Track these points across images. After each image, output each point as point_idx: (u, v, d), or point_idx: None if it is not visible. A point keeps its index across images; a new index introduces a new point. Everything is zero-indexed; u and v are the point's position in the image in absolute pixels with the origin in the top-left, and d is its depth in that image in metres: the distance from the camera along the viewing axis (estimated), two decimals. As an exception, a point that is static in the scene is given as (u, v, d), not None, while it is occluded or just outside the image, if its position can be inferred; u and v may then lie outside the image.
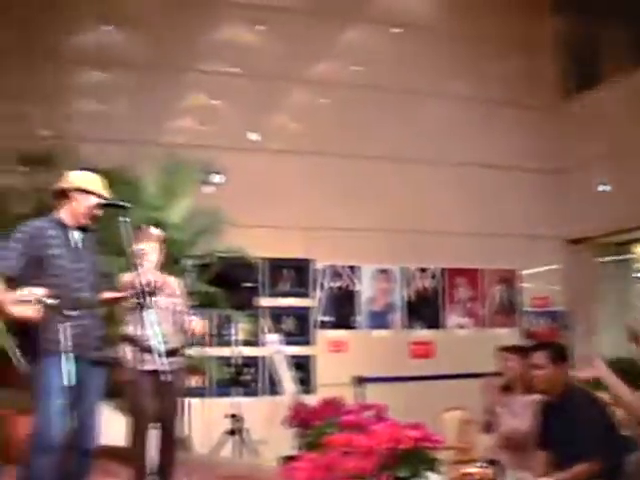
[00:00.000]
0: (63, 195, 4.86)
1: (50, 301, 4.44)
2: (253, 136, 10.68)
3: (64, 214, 4.84)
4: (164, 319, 5.60)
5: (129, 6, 10.05)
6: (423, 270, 11.48)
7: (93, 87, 10.38)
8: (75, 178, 4.90)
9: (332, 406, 5.65)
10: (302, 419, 5.77)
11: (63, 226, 4.82)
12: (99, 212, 4.89)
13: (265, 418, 8.56)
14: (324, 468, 3.55)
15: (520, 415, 5.58)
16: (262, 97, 10.57)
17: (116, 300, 5.23)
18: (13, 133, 8.74)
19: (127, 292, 5.18)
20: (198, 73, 10.65)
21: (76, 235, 4.85)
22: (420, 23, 11.39)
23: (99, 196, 4.86)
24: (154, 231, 6.02)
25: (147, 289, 4.95)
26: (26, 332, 4.40)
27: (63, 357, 4.30)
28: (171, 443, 5.84)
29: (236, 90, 10.61)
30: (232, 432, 8.18)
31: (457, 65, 11.45)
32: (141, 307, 4.89)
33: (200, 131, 10.63)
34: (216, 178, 9.23)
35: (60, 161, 6.76)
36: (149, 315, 4.86)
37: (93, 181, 4.91)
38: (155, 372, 5.42)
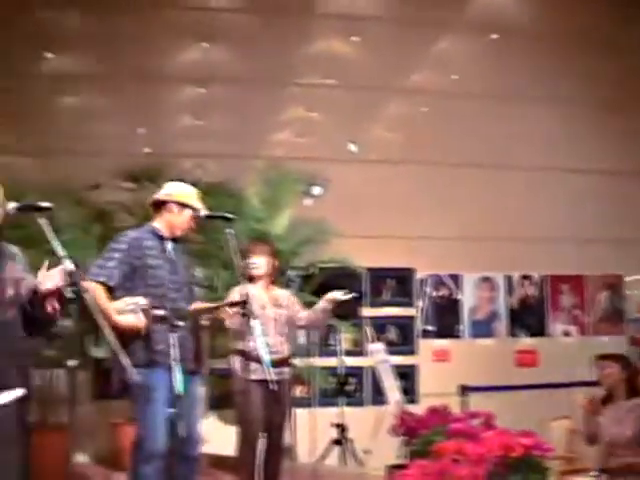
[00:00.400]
0: (160, 206, 4.96)
1: (160, 312, 4.52)
2: (352, 147, 10.68)
3: (160, 225, 4.91)
4: (272, 330, 5.65)
5: (226, 23, 10.19)
6: (526, 277, 11.30)
7: (194, 104, 10.55)
8: (173, 190, 4.98)
9: (439, 414, 5.61)
10: (408, 428, 5.74)
11: (159, 237, 4.89)
12: (194, 225, 4.96)
13: (369, 427, 8.56)
14: (435, 475, 3.54)
15: (624, 420, 5.49)
16: (359, 108, 10.56)
17: (207, 311, 5.27)
18: (119, 151, 8.97)
19: (221, 303, 5.22)
20: (295, 86, 10.71)
21: (170, 246, 4.92)
22: (516, 28, 11.21)
23: (195, 209, 4.92)
24: (263, 244, 6.07)
25: (249, 301, 4.92)
26: (129, 342, 4.45)
27: (174, 367, 4.35)
28: (278, 452, 5.84)
29: (333, 102, 10.62)
30: (337, 442, 8.20)
31: (556, 68, 11.19)
32: (247, 318, 4.90)
33: (299, 143, 10.67)
34: (318, 189, 9.26)
35: (164, 177, 6.88)
36: (256, 326, 4.86)
37: (190, 194, 4.98)
38: (264, 382, 5.47)
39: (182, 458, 4.67)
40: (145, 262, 4.74)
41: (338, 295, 5.72)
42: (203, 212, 4.88)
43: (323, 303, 5.78)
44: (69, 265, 3.54)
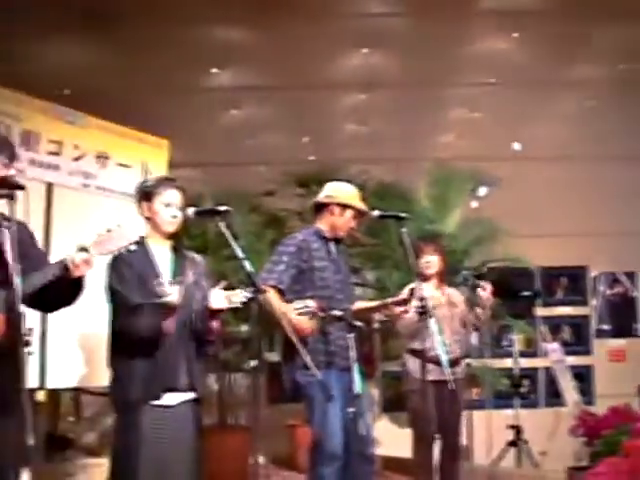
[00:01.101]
0: (322, 208, 4.98)
1: (337, 312, 4.57)
2: (517, 146, 10.53)
3: (323, 226, 4.93)
4: (447, 329, 5.62)
5: (385, 28, 10.20)
6: None
7: (357, 110, 10.65)
8: (333, 192, 4.98)
9: (621, 414, 5.47)
10: (589, 428, 5.62)
11: (323, 238, 4.91)
12: (356, 225, 4.96)
13: (545, 429, 8.41)
14: (627, 474, 3.45)
15: None
16: (524, 105, 10.35)
17: (370, 310, 5.28)
18: (288, 159, 9.15)
19: (384, 301, 5.21)
20: (457, 87, 10.62)
21: (333, 247, 4.94)
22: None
23: (357, 209, 4.92)
24: (434, 242, 6.05)
25: (426, 301, 4.86)
26: (304, 344, 4.41)
27: (353, 366, 4.38)
28: (455, 454, 5.78)
29: (497, 100, 10.49)
30: (513, 443, 8.07)
31: None
32: (423, 316, 4.84)
33: (464, 144, 10.62)
34: (486, 188, 9.16)
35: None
36: (432, 324, 4.73)
37: (351, 194, 4.96)
38: (440, 382, 5.45)
39: (360, 458, 4.67)
40: (312, 264, 4.78)
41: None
42: (376, 212, 4.86)
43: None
44: (243, 295, 3.67)
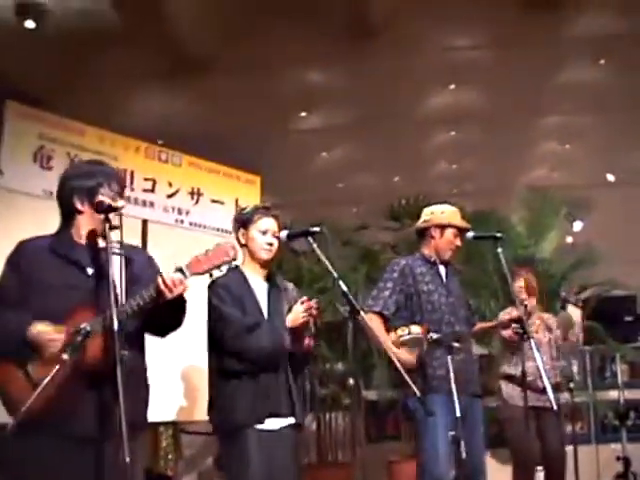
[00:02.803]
0: (424, 233, 4.95)
1: (435, 335, 4.51)
2: (611, 177, 10.35)
3: (428, 250, 4.89)
4: (545, 353, 5.51)
5: (470, 62, 10.16)
6: None
7: (447, 146, 10.64)
8: (432, 214, 4.93)
9: None
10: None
11: (430, 262, 4.86)
12: (459, 243, 4.90)
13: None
14: None
15: None
16: (616, 132, 10.18)
17: (490, 329, 5.20)
18: (379, 198, 9.14)
19: (499, 321, 5.13)
20: (547, 118, 10.50)
21: (443, 270, 4.88)
22: None
23: (457, 227, 4.87)
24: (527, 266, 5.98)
25: (524, 322, 4.75)
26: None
27: (453, 388, 4.30)
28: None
29: (588, 129, 10.32)
30: (621, 476, 7.81)
31: None
32: (523, 337, 4.73)
33: (557, 175, 10.49)
34: (581, 219, 9.00)
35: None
36: (532, 346, 4.61)
37: (448, 213, 4.91)
38: (539, 408, 5.33)
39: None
40: (418, 288, 4.74)
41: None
42: (471, 233, 4.82)
43: None
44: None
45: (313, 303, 3.77)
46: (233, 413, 3.77)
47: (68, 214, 3.38)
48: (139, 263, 3.37)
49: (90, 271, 3.19)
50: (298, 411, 3.91)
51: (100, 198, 3.28)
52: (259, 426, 3.75)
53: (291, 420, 3.89)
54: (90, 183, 3.35)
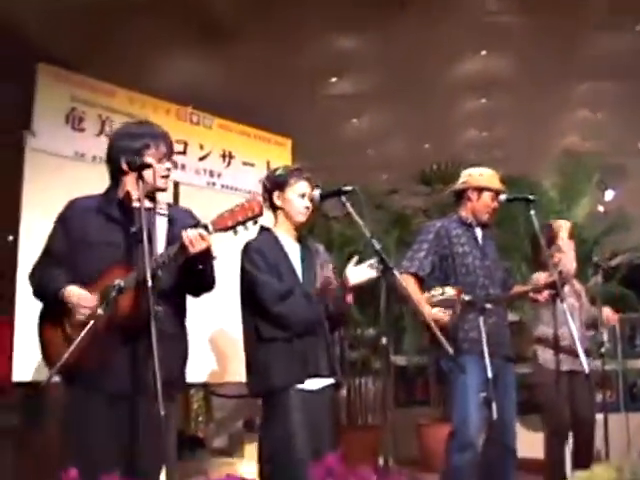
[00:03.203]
0: (462, 195, 4.91)
1: (467, 297, 4.49)
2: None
3: (464, 213, 4.85)
4: (576, 320, 5.43)
5: (502, 28, 10.04)
6: None
7: (477, 114, 10.56)
8: (469, 177, 4.89)
9: None
10: None
11: (467, 225, 4.83)
12: (496, 205, 4.86)
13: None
14: None
15: None
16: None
17: (525, 294, 5.16)
18: (409, 165, 9.10)
19: (536, 285, 5.08)
20: (578, 86, 10.38)
21: (479, 233, 4.86)
22: None
23: (495, 190, 4.81)
24: (566, 225, 5.88)
25: (558, 283, 4.69)
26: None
27: (485, 350, 4.28)
28: (589, 452, 5.57)
29: (619, 98, 10.18)
30: (652, 446, 7.78)
31: None
32: (555, 299, 4.68)
33: (586, 143, 10.38)
34: (614, 182, 8.92)
35: (456, 179, 6.95)
36: (564, 309, 4.42)
37: (488, 177, 4.86)
38: (572, 372, 5.29)
39: (502, 450, 4.54)
40: (453, 250, 4.72)
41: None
42: (503, 196, 4.78)
43: None
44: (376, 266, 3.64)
45: (374, 261, 3.71)
46: (271, 377, 3.73)
47: (115, 174, 3.42)
48: (182, 224, 3.38)
49: (132, 230, 3.20)
50: (337, 371, 3.89)
51: (146, 160, 3.30)
52: (300, 386, 3.73)
53: (331, 380, 3.87)
54: (137, 144, 3.36)
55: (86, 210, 3.37)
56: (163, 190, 3.41)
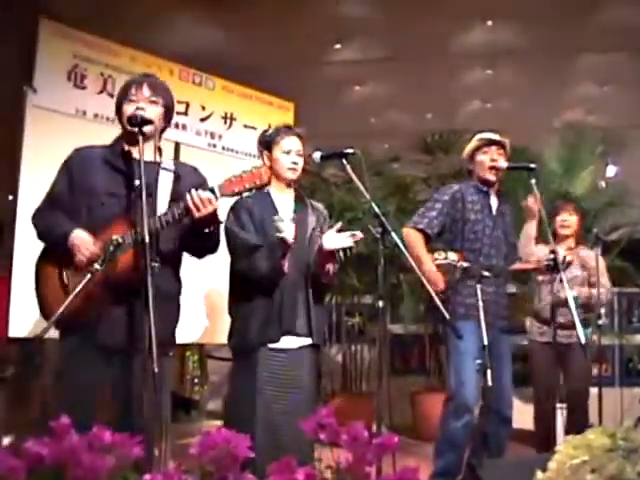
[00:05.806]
0: (470, 162, 4.92)
1: (465, 264, 4.50)
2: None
3: (476, 182, 4.87)
4: (576, 290, 5.45)
5: (507, 2, 9.94)
6: None
7: (481, 84, 10.47)
8: (465, 151, 4.96)
9: None
10: None
11: (483, 192, 4.84)
12: (494, 159, 4.81)
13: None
14: None
15: None
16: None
17: (525, 271, 5.16)
18: (411, 134, 9.06)
19: (538, 264, 5.07)
20: (583, 58, 10.27)
21: (494, 202, 4.86)
22: None
23: (483, 143, 4.84)
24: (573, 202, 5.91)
25: (561, 260, 4.67)
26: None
27: (481, 316, 4.29)
28: (583, 424, 5.57)
29: (625, 71, 10.08)
30: (644, 420, 7.81)
31: None
32: (553, 271, 4.67)
33: (590, 117, 10.30)
34: (617, 154, 8.86)
35: (457, 148, 6.92)
36: (564, 280, 4.45)
37: (483, 135, 4.91)
38: (563, 345, 5.30)
39: (497, 419, 4.59)
40: (465, 215, 4.74)
41: None
42: (504, 163, 4.78)
43: None
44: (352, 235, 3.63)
45: (358, 233, 3.70)
46: (247, 334, 3.77)
47: (122, 127, 3.42)
48: (188, 182, 3.37)
49: (136, 183, 3.18)
50: (315, 332, 3.88)
51: (131, 112, 3.29)
52: (274, 345, 3.75)
53: (309, 340, 3.87)
54: (122, 95, 3.41)
55: (91, 159, 3.37)
56: (150, 122, 3.31)
